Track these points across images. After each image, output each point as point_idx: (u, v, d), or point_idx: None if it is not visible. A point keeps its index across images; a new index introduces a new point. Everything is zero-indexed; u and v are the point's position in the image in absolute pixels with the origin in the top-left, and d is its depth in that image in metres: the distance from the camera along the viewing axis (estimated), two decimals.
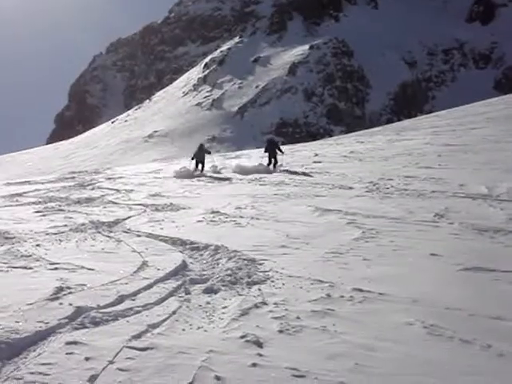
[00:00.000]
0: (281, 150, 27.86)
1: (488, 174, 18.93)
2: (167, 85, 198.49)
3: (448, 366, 5.51)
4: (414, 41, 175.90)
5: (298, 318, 6.73)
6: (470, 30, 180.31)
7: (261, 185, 20.92)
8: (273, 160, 27.39)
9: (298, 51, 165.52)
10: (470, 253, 10.20)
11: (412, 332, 6.42)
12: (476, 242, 11.23)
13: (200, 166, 28.21)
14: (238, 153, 44.01)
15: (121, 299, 7.51)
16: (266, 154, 28.07)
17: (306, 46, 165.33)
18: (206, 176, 26.03)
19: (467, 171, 20.10)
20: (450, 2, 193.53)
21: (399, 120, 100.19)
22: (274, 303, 7.30)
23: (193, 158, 28.59)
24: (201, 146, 29.22)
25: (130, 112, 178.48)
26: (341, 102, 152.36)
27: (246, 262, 9.44)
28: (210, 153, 29.78)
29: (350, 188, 18.62)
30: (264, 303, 7.32)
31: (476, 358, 5.71)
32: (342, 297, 7.56)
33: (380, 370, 5.35)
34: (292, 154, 31.58)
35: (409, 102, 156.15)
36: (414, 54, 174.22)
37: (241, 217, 14.20)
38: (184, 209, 16.00)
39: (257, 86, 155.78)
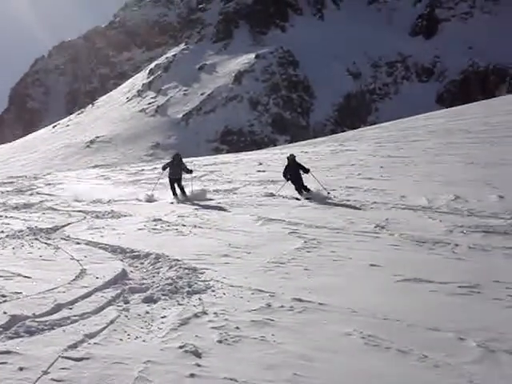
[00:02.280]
0: (305, 169, 20.23)
1: (428, 186, 19.26)
2: (111, 90, 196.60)
3: (385, 376, 5.56)
4: (359, 53, 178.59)
5: (238, 328, 6.69)
6: (413, 44, 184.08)
7: None
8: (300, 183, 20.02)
9: (244, 60, 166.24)
10: (409, 264, 10.35)
11: (350, 342, 6.46)
12: (415, 253, 11.40)
13: (177, 187, 20.49)
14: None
15: (57, 308, 7.35)
16: (286, 179, 20.41)
17: (252, 55, 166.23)
18: (190, 202, 19.28)
19: (408, 183, 20.41)
20: (395, 15, 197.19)
21: (343, 131, 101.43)
22: (214, 313, 7.24)
23: (164, 168, 21.23)
24: (176, 157, 21.04)
25: (72, 116, 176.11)
26: (286, 111, 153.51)
27: (186, 270, 9.36)
28: (191, 172, 21.12)
29: (293, 197, 18.72)
30: (204, 313, 7.26)
31: (412, 369, 5.77)
32: (282, 307, 7.56)
33: (318, 380, 5.35)
34: (236, 163, 31.55)
35: (353, 113, 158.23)
36: (359, 65, 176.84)
37: (183, 225, 14.11)
38: (125, 216, 15.82)
39: (202, 94, 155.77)
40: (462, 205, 16.11)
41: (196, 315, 7.16)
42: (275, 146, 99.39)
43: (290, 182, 20.20)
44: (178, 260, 10.06)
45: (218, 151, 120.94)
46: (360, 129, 69.32)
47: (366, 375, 5.55)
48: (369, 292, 8.44)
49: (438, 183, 19.79)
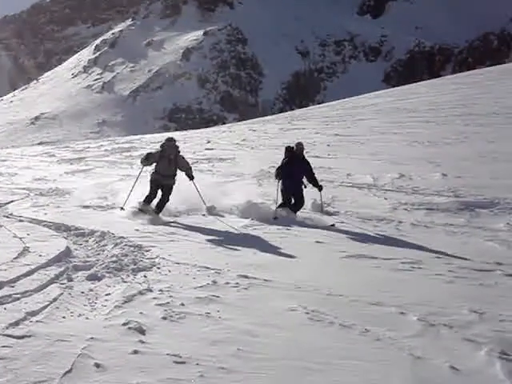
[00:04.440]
0: (315, 180, 13.85)
1: (374, 165, 19.51)
2: (56, 65, 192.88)
3: (328, 350, 5.63)
4: (307, 31, 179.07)
5: (183, 304, 6.67)
6: (361, 23, 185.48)
7: None
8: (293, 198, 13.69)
9: (192, 36, 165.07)
10: (353, 241, 10.51)
11: (294, 317, 6.51)
12: (360, 230, 11.58)
13: (158, 197, 13.13)
14: (128, 138, 43.24)
15: None
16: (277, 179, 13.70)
17: (201, 32, 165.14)
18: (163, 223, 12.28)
19: (355, 161, 20.63)
20: None
21: (292, 109, 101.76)
22: (159, 290, 7.21)
23: (147, 161, 13.12)
24: (169, 145, 13.12)
25: (16, 92, 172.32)
26: (234, 89, 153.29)
27: (132, 248, 9.28)
28: (192, 177, 13.40)
29: (241, 175, 18.73)
30: (149, 290, 7.21)
31: (354, 342, 5.86)
32: (228, 283, 7.57)
33: (261, 355, 5.39)
34: (184, 141, 31.34)
35: (301, 92, 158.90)
36: (307, 44, 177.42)
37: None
38: (70, 194, 15.56)
39: (149, 70, 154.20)
40: (406, 183, 16.39)
41: (141, 292, 7.11)
42: (224, 123, 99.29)
43: (280, 185, 13.62)
44: (124, 237, 9.96)
45: (166, 129, 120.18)
46: (308, 107, 69.61)
47: (308, 349, 5.61)
48: (313, 268, 8.54)
49: (384, 161, 20.05)
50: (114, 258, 8.67)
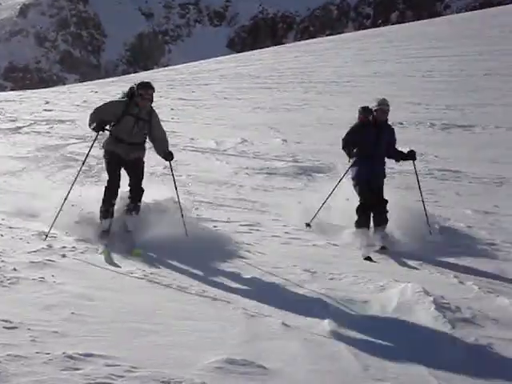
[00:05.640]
0: (403, 154, 9.57)
1: (217, 129, 19.67)
2: None
3: (165, 311, 5.70)
4: None
5: (15, 269, 6.42)
6: None
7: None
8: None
9: None
10: (198, 204, 10.59)
11: (132, 281, 6.55)
12: (203, 192, 11.74)
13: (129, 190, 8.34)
14: None
15: None
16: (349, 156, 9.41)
17: None
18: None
19: (198, 126, 20.69)
20: None
21: (135, 72, 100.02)
22: None
23: (98, 124, 8.32)
24: (145, 98, 8.43)
25: None
26: (75, 49, 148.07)
27: None
28: (170, 156, 8.48)
29: (82, 138, 18.25)
30: None
31: (192, 304, 5.99)
32: (64, 247, 7.41)
33: (96, 318, 5.35)
34: (20, 101, 29.95)
35: (145, 54, 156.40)
36: (151, 5, 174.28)
37: None
38: None
39: None
40: (248, 148, 16.70)
41: None
42: (64, 84, 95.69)
43: (353, 171, 9.19)
44: None
45: (1, 88, 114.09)
46: (152, 70, 68.71)
47: (145, 311, 5.65)
48: (151, 234, 8.51)
49: (227, 127, 20.28)
50: None
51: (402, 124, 19.50)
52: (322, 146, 16.79)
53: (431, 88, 26.98)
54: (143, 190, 8.27)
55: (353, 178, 9.13)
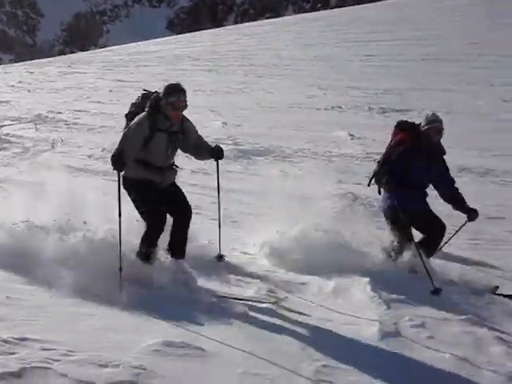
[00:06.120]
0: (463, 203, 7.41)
1: None
2: None
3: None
4: None
5: None
6: None
7: None
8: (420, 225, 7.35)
9: None
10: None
11: None
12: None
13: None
14: None
15: None
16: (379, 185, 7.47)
17: None
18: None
19: None
20: None
21: (72, 52, 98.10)
22: None
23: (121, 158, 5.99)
24: (176, 108, 6.37)
25: None
26: (10, 28, 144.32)
27: None
28: (220, 156, 6.86)
29: (17, 119, 17.89)
30: None
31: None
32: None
33: (33, 302, 5.33)
34: None
35: (82, 35, 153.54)
36: None
37: None
38: None
39: None
40: None
41: None
42: None
43: (389, 201, 7.25)
44: None
45: None
46: (90, 51, 67.55)
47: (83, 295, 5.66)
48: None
49: None
50: None
51: (340, 108, 19.80)
52: (262, 129, 16.88)
53: (370, 72, 27.39)
54: (187, 228, 6.55)
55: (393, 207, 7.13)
